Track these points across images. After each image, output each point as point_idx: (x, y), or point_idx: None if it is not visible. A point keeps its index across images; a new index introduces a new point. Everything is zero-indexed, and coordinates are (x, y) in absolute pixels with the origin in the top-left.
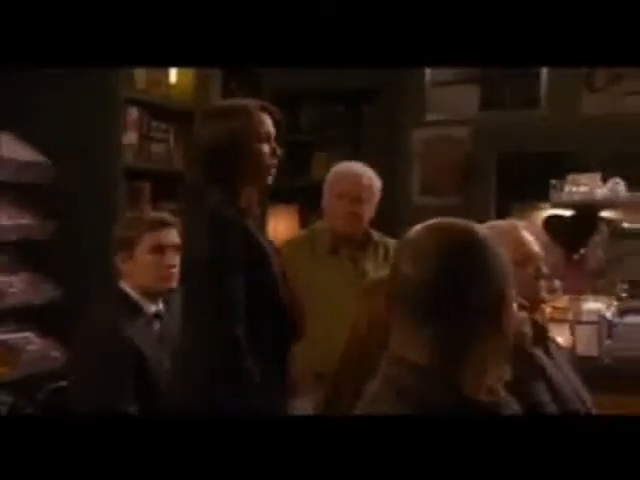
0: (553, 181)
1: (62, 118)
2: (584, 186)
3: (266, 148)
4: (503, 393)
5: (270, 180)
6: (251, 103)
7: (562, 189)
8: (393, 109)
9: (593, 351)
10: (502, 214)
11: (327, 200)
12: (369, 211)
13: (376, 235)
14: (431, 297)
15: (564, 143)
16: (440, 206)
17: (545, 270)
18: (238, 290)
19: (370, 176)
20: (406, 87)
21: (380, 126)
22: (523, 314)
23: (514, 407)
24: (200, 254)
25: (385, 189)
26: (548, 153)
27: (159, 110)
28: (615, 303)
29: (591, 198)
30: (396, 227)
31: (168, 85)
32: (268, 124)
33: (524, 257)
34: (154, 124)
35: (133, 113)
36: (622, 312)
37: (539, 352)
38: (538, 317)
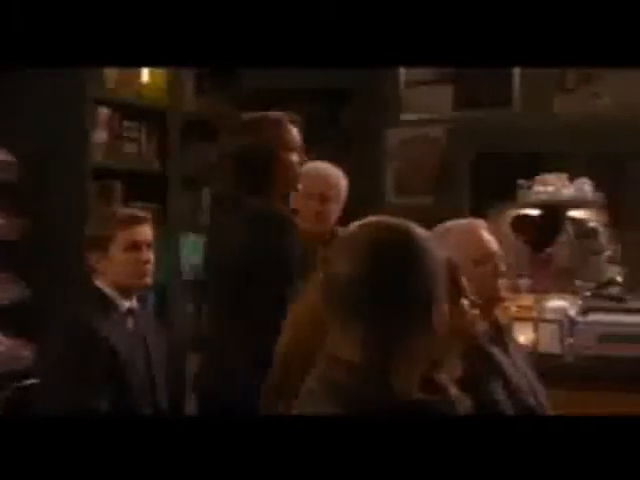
0: (521, 181)
1: (31, 117)
2: (551, 186)
3: (295, 157)
4: (453, 391)
5: (298, 187)
6: (279, 115)
7: (530, 189)
8: (368, 109)
9: (556, 349)
10: (476, 213)
11: (295, 199)
12: (336, 210)
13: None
14: (359, 295)
15: (537, 143)
16: (415, 205)
17: (503, 269)
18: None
19: (337, 175)
20: (381, 87)
21: (356, 126)
22: (475, 312)
23: (466, 405)
24: (260, 254)
25: (360, 188)
26: (522, 153)
27: (130, 109)
28: (579, 302)
29: (557, 198)
30: None
31: (140, 84)
32: (295, 134)
33: (483, 255)
34: (126, 123)
35: (104, 112)
36: (585, 311)
37: (497, 351)
38: (498, 315)
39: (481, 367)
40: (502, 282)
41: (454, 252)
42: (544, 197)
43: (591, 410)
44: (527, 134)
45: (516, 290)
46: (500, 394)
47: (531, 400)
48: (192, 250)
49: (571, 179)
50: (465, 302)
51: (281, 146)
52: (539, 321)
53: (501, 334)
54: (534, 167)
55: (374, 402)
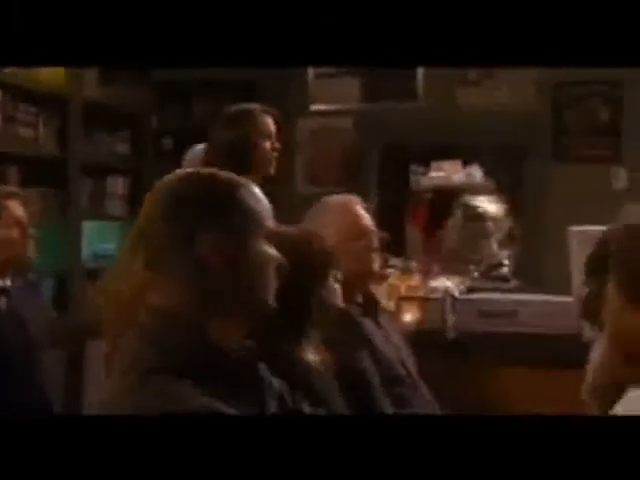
0: (414, 167)
1: None
2: (444, 172)
3: (268, 144)
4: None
5: (272, 170)
6: (254, 107)
7: (425, 175)
8: (278, 100)
9: (438, 325)
10: (386, 203)
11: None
12: None
13: None
14: (161, 242)
15: (440, 134)
16: (324, 195)
17: (377, 244)
18: None
19: None
20: (291, 79)
21: None
22: (337, 286)
23: (326, 370)
24: None
25: (270, 178)
26: (427, 143)
27: (27, 93)
28: (466, 282)
29: (448, 183)
30: (280, 216)
31: (38, 69)
32: (270, 123)
33: (357, 231)
34: (22, 107)
35: None
36: (469, 290)
37: (368, 322)
38: (372, 289)
39: (349, 336)
40: (375, 257)
41: (329, 227)
42: (436, 182)
43: (467, 383)
44: (431, 126)
45: (407, 271)
46: (366, 363)
47: (401, 370)
48: (94, 237)
49: (464, 166)
50: (331, 273)
51: (259, 135)
52: (424, 300)
53: (374, 307)
54: (438, 157)
55: (190, 351)
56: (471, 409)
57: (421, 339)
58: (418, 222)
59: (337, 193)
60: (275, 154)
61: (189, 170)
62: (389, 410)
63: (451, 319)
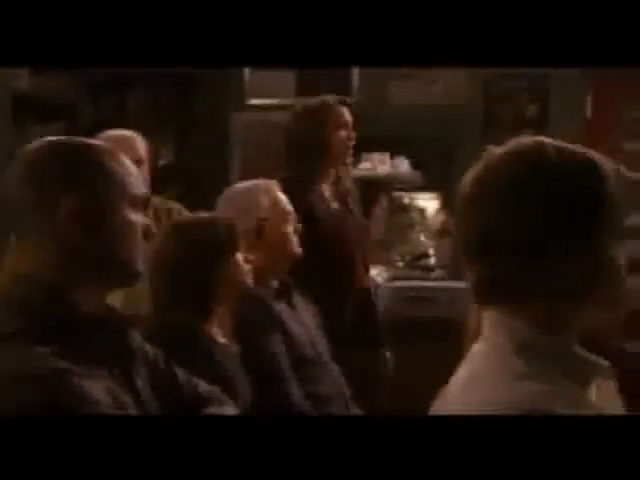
0: None
1: None
2: (370, 163)
3: (344, 134)
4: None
5: (349, 160)
6: (331, 98)
7: (355, 166)
8: (216, 94)
9: None
10: None
11: None
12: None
13: (157, 200)
14: (25, 208)
15: (373, 128)
16: None
17: (291, 229)
18: None
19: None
20: (228, 72)
21: (204, 111)
22: (247, 267)
23: (233, 350)
24: None
25: (208, 172)
26: (360, 136)
27: None
28: (392, 271)
29: (374, 174)
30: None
31: None
32: (345, 114)
33: (279, 214)
34: None
35: None
36: (392, 278)
37: (282, 306)
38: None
39: (260, 318)
40: (294, 240)
41: (246, 211)
42: (363, 173)
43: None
44: (364, 119)
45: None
46: (276, 346)
47: (311, 352)
48: None
49: (393, 158)
50: (240, 257)
51: (336, 126)
52: None
53: (289, 291)
54: (371, 150)
55: (49, 316)
56: (377, 392)
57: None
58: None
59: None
60: (351, 143)
61: (54, 138)
62: (296, 391)
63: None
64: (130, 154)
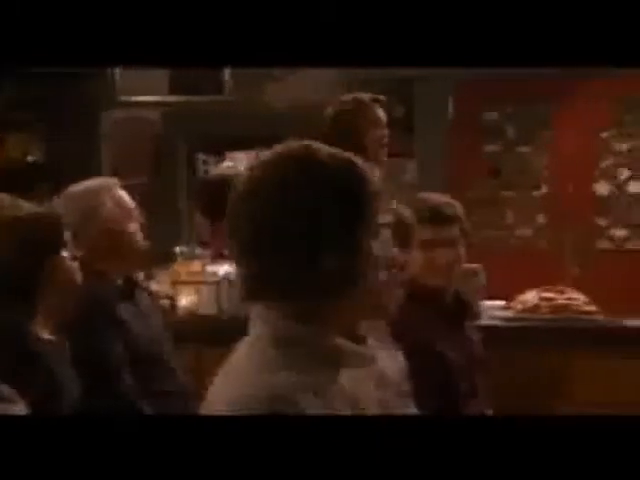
0: (203, 156)
1: None
2: (233, 161)
3: (378, 132)
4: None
5: (384, 157)
6: (365, 96)
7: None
8: (88, 91)
9: (212, 309)
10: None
11: None
12: None
13: None
14: None
15: (248, 128)
16: (129, 186)
17: (137, 227)
18: None
19: None
20: (101, 70)
21: (75, 107)
22: (74, 264)
23: (59, 347)
24: None
25: (78, 169)
26: (235, 136)
27: None
28: None
29: (234, 172)
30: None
31: None
32: (379, 112)
33: (122, 213)
34: None
35: None
36: None
37: (123, 303)
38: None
39: (93, 316)
40: (136, 238)
41: (90, 212)
42: (224, 171)
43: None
44: (235, 119)
45: (191, 257)
46: (110, 343)
47: (156, 351)
48: None
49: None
50: (64, 254)
51: (370, 124)
52: (200, 284)
53: (132, 288)
54: (241, 148)
55: None
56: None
57: (196, 322)
58: (206, 210)
59: (142, 183)
60: (385, 140)
61: None
62: (127, 388)
63: (225, 303)
64: None
